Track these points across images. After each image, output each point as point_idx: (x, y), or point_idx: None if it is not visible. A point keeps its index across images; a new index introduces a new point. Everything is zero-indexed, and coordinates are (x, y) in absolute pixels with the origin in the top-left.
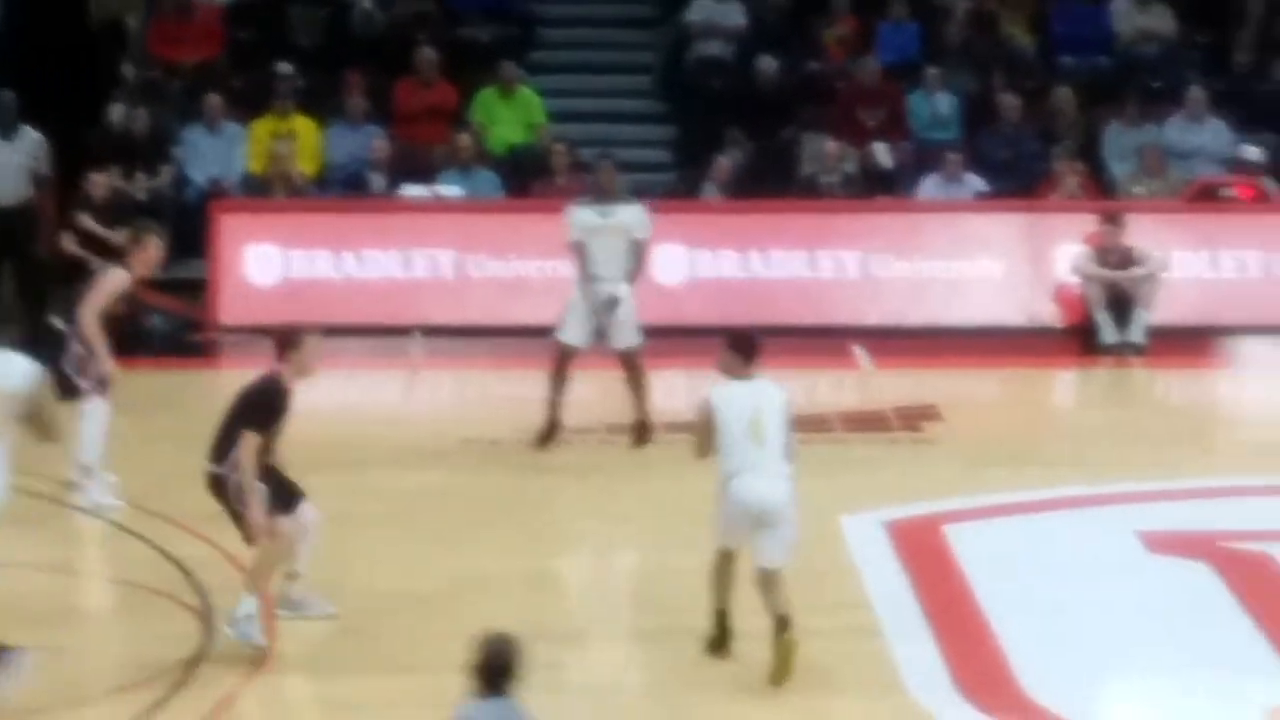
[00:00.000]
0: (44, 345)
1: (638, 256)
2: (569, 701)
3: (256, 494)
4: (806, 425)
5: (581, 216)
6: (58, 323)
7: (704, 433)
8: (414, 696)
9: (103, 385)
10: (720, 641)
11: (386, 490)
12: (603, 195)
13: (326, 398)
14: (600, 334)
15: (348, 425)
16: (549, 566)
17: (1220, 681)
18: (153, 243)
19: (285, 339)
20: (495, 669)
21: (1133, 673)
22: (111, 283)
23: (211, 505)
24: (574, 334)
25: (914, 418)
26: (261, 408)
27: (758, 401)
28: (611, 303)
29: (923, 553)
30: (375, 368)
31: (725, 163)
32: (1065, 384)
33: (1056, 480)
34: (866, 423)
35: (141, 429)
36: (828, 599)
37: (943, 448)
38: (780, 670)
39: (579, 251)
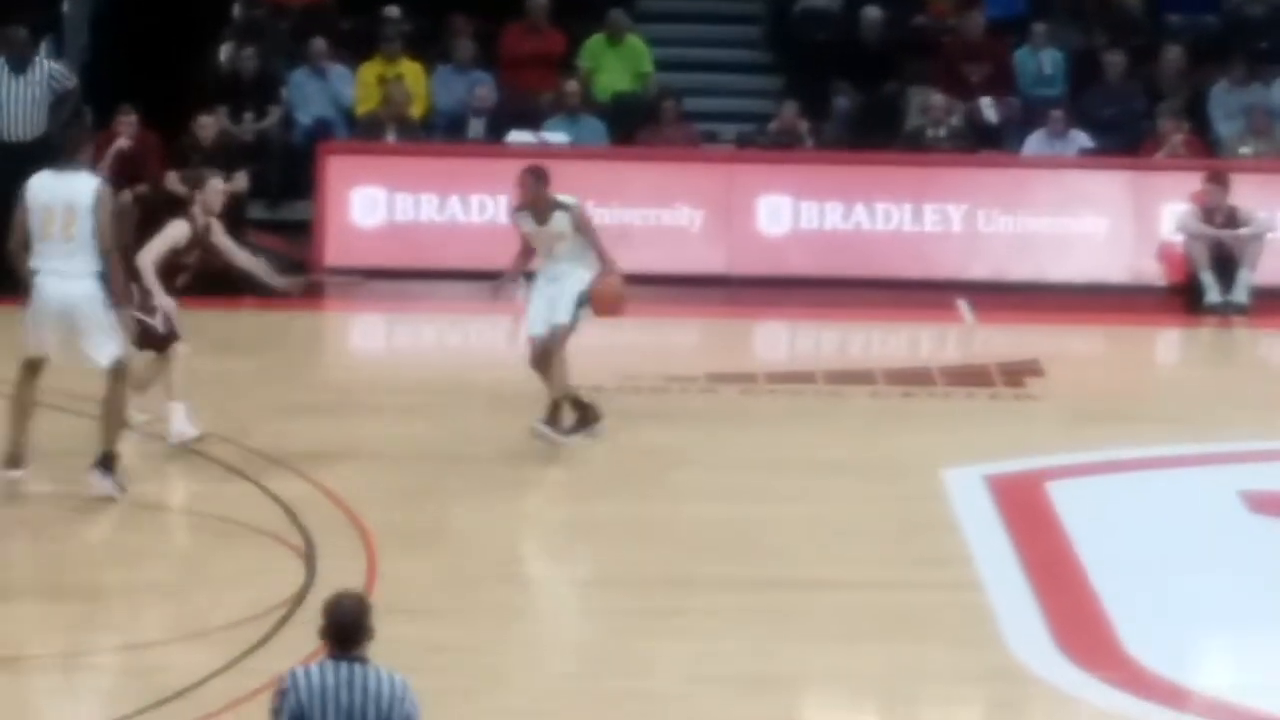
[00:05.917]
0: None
1: None
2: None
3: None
4: (909, 379)
5: None
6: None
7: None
8: (516, 639)
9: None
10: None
11: (488, 435)
12: None
13: (429, 341)
14: None
15: (451, 370)
16: (651, 512)
17: None
18: (211, 186)
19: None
20: (345, 629)
21: (1233, 632)
22: (172, 234)
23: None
24: None
25: (1017, 373)
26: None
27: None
28: None
29: (1024, 508)
30: (477, 312)
31: (790, 107)
32: (1168, 342)
33: (1158, 438)
34: (969, 377)
35: (245, 368)
36: (928, 553)
37: (1045, 404)
38: None
39: None
